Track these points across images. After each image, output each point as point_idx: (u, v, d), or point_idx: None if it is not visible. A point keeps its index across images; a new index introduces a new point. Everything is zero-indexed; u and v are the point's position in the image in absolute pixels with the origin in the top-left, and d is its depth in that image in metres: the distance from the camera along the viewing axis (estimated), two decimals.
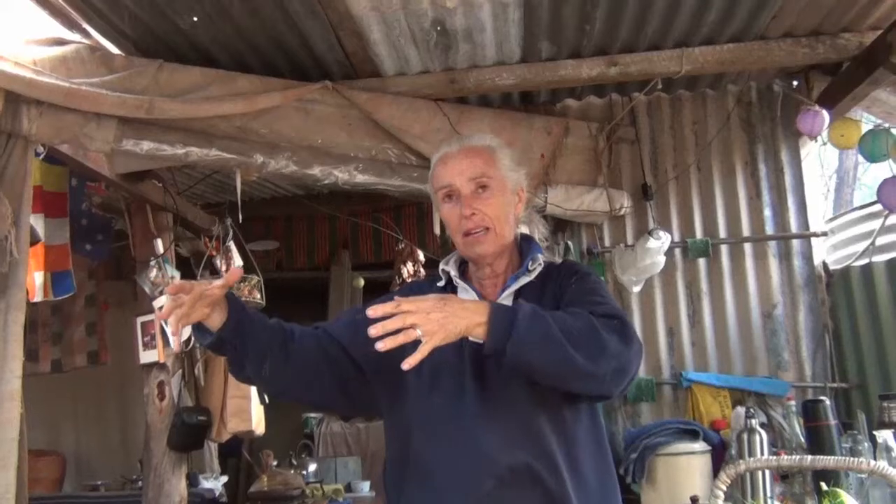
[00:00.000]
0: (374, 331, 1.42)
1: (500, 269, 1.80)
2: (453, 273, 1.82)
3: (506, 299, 1.73)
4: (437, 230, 3.66)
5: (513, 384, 1.63)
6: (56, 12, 2.94)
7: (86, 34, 3.11)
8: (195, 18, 2.95)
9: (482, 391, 1.65)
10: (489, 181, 1.76)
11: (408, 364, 1.42)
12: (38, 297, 3.59)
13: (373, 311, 1.45)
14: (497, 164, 1.80)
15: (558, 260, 1.97)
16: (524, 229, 1.93)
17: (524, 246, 1.84)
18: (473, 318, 1.47)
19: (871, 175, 10.17)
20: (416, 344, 1.43)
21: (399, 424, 1.75)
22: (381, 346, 1.41)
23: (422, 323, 1.42)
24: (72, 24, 3.04)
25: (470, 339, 1.54)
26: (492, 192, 1.76)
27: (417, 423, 1.71)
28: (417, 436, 1.70)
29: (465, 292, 1.79)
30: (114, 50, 3.21)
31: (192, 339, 4.07)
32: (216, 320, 1.62)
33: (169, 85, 3.14)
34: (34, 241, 3.10)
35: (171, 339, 1.57)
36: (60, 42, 3.04)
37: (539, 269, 1.77)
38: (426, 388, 1.70)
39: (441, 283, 1.84)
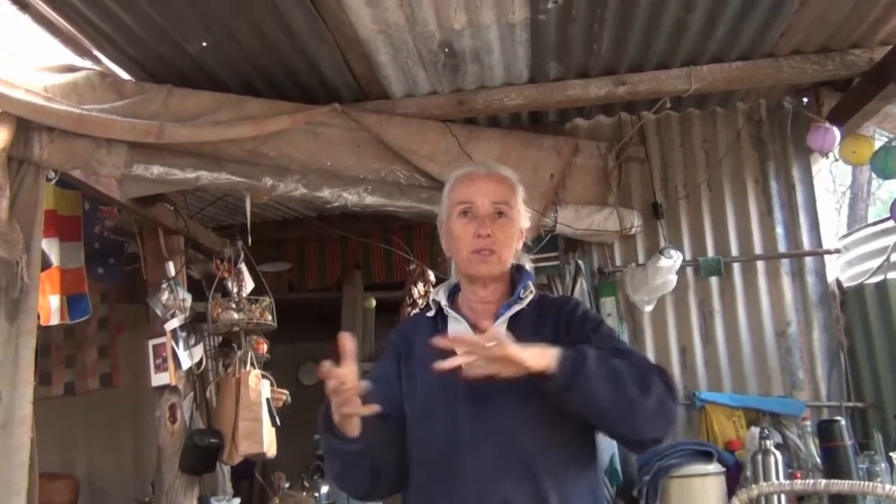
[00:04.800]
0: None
1: (493, 297, 1.82)
2: (443, 303, 1.84)
3: (499, 326, 1.74)
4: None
5: (507, 418, 1.64)
6: (67, 40, 2.98)
7: (96, 61, 3.14)
8: (204, 44, 2.98)
9: (476, 424, 1.66)
10: (508, 210, 1.81)
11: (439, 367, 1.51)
12: (54, 321, 3.60)
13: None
14: (516, 197, 1.85)
15: (552, 294, 1.99)
16: None
17: (515, 275, 1.86)
18: (539, 361, 1.52)
19: (886, 190, 10.08)
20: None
21: (407, 457, 1.77)
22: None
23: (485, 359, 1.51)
24: (83, 51, 3.07)
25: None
26: (507, 221, 1.81)
27: (416, 456, 1.73)
28: (416, 468, 1.72)
29: (457, 322, 1.80)
30: (124, 76, 3.24)
31: (204, 360, 4.10)
32: (354, 422, 1.60)
33: (178, 110, 3.16)
34: (45, 266, 3.12)
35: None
36: (71, 69, 3.08)
37: (531, 296, 1.80)
38: (422, 420, 1.71)
39: (431, 314, 1.86)
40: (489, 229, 1.76)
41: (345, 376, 1.49)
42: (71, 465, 5.21)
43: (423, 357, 1.75)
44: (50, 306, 3.55)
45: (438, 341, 1.53)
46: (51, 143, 2.97)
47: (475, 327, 1.77)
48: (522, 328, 1.74)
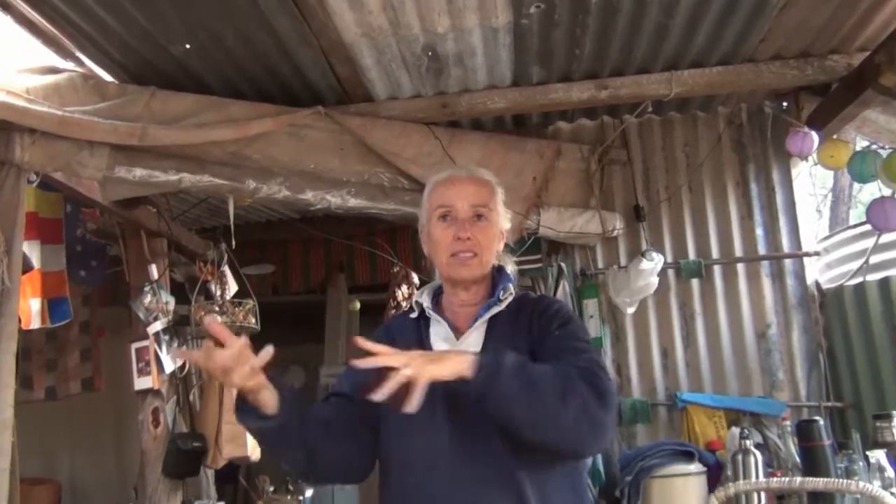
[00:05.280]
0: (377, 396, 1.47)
1: (475, 300, 1.82)
2: (426, 304, 1.83)
3: (478, 328, 1.76)
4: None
5: (487, 421, 1.62)
6: (49, 41, 2.97)
7: (79, 62, 3.13)
8: (188, 46, 2.98)
9: (455, 432, 1.64)
10: (487, 213, 1.81)
11: (410, 407, 1.47)
12: (34, 325, 3.56)
13: (362, 363, 1.51)
14: (496, 200, 1.85)
15: (533, 293, 1.98)
16: None
17: (496, 276, 1.86)
18: (458, 366, 1.51)
19: (867, 192, 10.16)
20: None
21: (383, 465, 1.77)
22: (377, 396, 1.47)
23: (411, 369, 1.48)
24: (65, 53, 3.06)
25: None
26: (487, 223, 1.81)
27: (394, 459, 1.72)
28: (395, 472, 1.72)
29: (438, 324, 1.80)
30: (107, 78, 3.23)
31: (187, 364, 4.09)
32: (268, 398, 1.60)
33: (162, 112, 3.16)
34: (27, 268, 3.10)
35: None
36: (54, 70, 3.06)
37: (510, 298, 1.80)
38: (400, 424, 1.69)
39: (414, 315, 1.85)
40: (469, 232, 1.77)
41: (218, 355, 1.52)
42: (53, 470, 5.18)
43: None
44: (31, 309, 3.52)
45: (363, 361, 1.52)
46: (32, 145, 2.96)
47: (456, 329, 1.79)
48: (501, 328, 1.75)
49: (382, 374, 1.48)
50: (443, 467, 1.64)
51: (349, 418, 1.73)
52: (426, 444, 1.66)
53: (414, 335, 1.81)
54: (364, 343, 1.54)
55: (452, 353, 1.56)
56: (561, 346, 1.68)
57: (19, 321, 3.06)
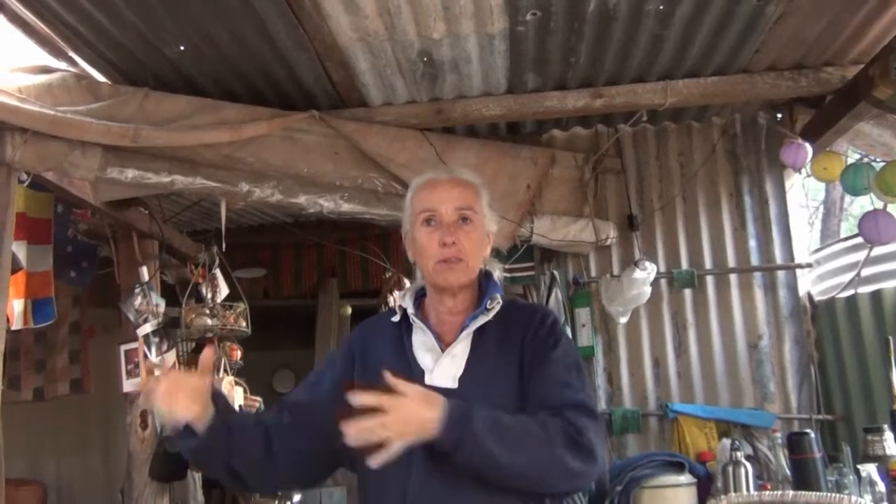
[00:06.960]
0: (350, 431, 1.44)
1: (461, 307, 1.76)
2: (410, 310, 1.78)
3: (464, 339, 1.71)
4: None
5: None
6: (43, 41, 2.96)
7: (72, 62, 3.12)
8: (182, 47, 2.97)
9: (430, 468, 1.58)
10: (472, 215, 1.76)
11: (375, 463, 1.44)
12: (17, 325, 3.52)
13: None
14: (480, 202, 1.80)
15: (522, 300, 1.93)
16: None
17: (484, 283, 1.81)
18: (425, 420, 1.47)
19: (858, 205, 10.19)
20: None
21: (360, 491, 1.74)
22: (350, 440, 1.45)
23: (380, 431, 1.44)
24: (58, 53, 3.05)
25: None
26: (473, 227, 1.76)
27: (371, 497, 1.68)
28: (373, 491, 1.67)
29: (423, 332, 1.75)
30: (100, 78, 3.22)
31: (175, 366, 4.06)
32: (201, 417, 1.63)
33: (155, 113, 3.14)
34: (16, 269, 3.08)
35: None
36: (46, 70, 3.05)
37: (497, 307, 1.75)
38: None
39: (396, 319, 1.80)
40: (454, 237, 1.71)
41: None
42: (39, 472, 5.14)
43: (380, 361, 1.71)
44: (14, 310, 3.48)
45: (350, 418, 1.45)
46: (24, 145, 2.95)
47: (441, 339, 1.74)
48: (488, 340, 1.71)
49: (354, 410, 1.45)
50: (413, 485, 1.59)
51: (299, 429, 1.72)
52: (399, 482, 1.60)
53: (394, 342, 1.77)
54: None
55: (424, 413, 1.48)
56: (553, 377, 1.65)
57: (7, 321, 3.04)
